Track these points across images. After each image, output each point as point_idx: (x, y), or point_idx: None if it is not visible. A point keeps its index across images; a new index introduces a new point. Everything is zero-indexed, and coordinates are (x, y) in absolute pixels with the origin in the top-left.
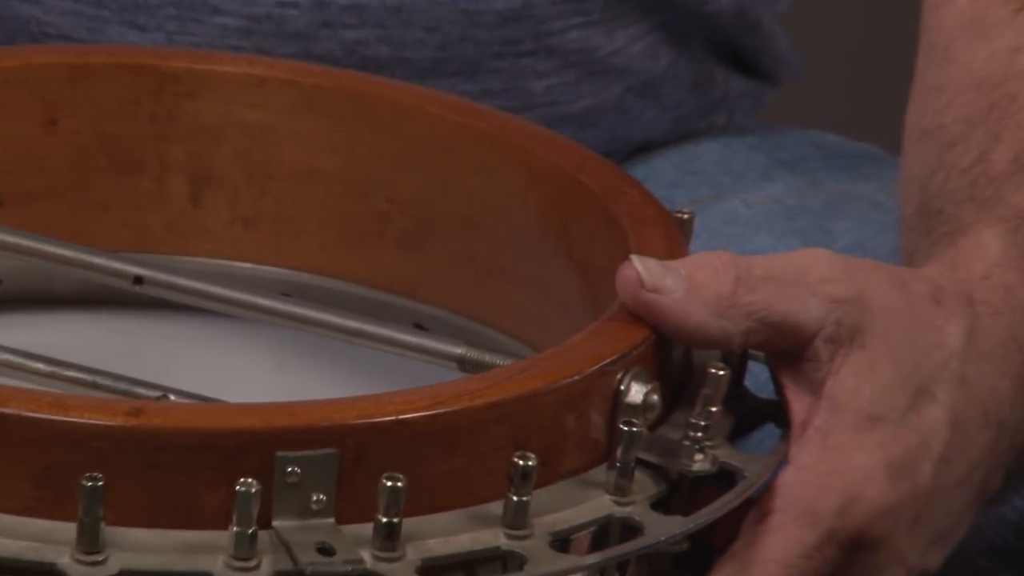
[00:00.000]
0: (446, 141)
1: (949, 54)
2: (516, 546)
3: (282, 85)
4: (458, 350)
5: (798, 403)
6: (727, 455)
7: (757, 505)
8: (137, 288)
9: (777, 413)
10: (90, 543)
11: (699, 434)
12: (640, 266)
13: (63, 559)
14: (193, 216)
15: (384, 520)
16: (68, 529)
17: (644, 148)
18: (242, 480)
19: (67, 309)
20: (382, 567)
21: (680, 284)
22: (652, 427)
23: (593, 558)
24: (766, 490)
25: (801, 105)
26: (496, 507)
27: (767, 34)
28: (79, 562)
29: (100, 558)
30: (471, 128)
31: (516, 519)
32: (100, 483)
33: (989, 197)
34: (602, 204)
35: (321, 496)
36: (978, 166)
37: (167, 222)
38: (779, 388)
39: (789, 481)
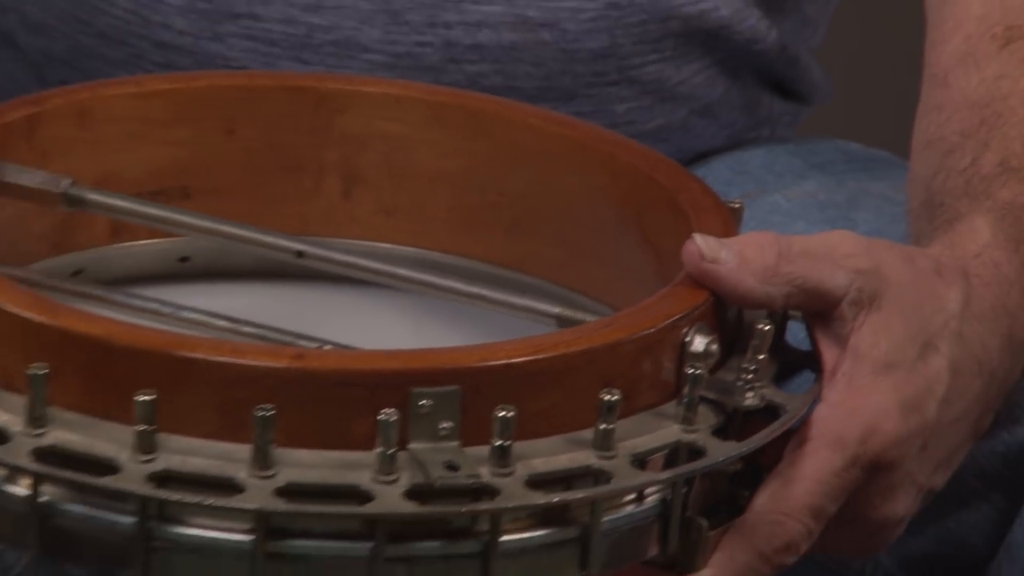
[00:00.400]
0: (545, 148)
1: (948, 81)
2: (604, 465)
3: (415, 103)
4: (555, 310)
5: (828, 353)
6: (772, 394)
7: (796, 434)
8: (299, 261)
9: (811, 362)
10: (262, 461)
11: (749, 377)
12: (701, 242)
13: (240, 474)
14: (344, 207)
15: (498, 443)
16: (244, 450)
17: (704, 157)
18: (384, 410)
19: (243, 280)
20: (497, 481)
21: (733, 257)
22: (712, 371)
23: (665, 475)
24: (803, 423)
25: (829, 120)
26: (588, 434)
27: (804, 66)
28: (254, 476)
29: (271, 473)
30: (565, 137)
31: (604, 443)
32: (271, 413)
33: (980, 193)
34: (670, 196)
35: (448, 424)
36: (971, 168)
37: (323, 212)
38: (813, 341)
39: (821, 415)
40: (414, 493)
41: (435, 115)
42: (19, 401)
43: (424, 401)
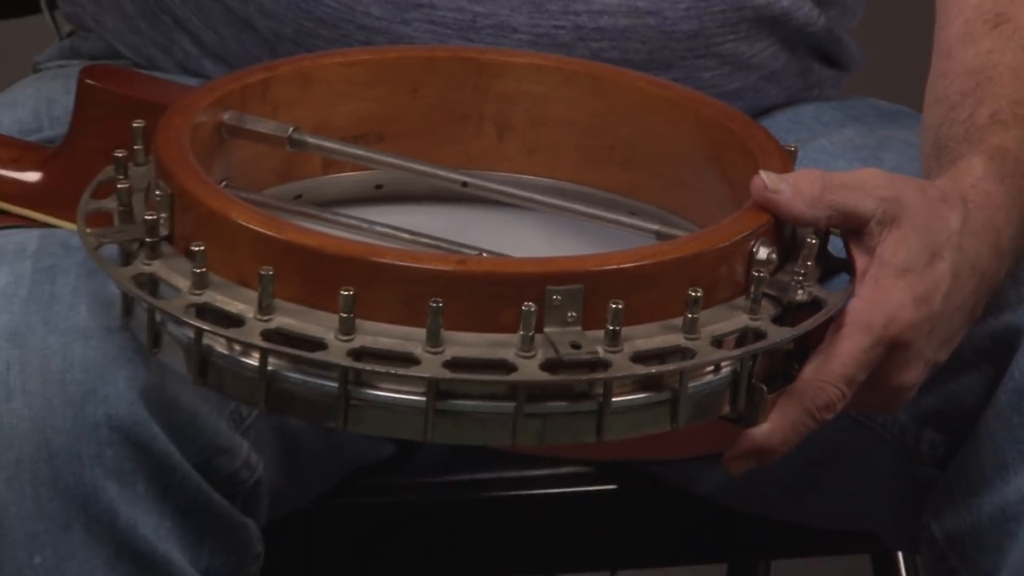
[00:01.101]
0: (648, 104)
1: (951, 54)
2: (690, 344)
3: (552, 70)
4: (654, 227)
5: (860, 260)
6: (817, 291)
7: (834, 322)
8: (463, 189)
9: (847, 267)
10: (433, 341)
11: (800, 278)
12: (765, 176)
13: (417, 350)
14: (498, 148)
15: (611, 328)
16: (421, 333)
17: (768, 111)
18: (526, 303)
19: (421, 203)
20: (610, 356)
21: (789, 188)
22: (772, 274)
23: (736, 352)
24: (840, 313)
25: (864, 83)
26: (678, 321)
27: (844, 44)
28: (427, 352)
29: (440, 350)
30: (663, 96)
31: (690, 328)
32: (440, 304)
33: (975, 139)
34: (742, 141)
35: (573, 313)
36: (969, 120)
37: (481, 152)
38: (848, 251)
39: (854, 307)
40: (547, 365)
41: (567, 79)
42: (251, 295)
43: (556, 296)
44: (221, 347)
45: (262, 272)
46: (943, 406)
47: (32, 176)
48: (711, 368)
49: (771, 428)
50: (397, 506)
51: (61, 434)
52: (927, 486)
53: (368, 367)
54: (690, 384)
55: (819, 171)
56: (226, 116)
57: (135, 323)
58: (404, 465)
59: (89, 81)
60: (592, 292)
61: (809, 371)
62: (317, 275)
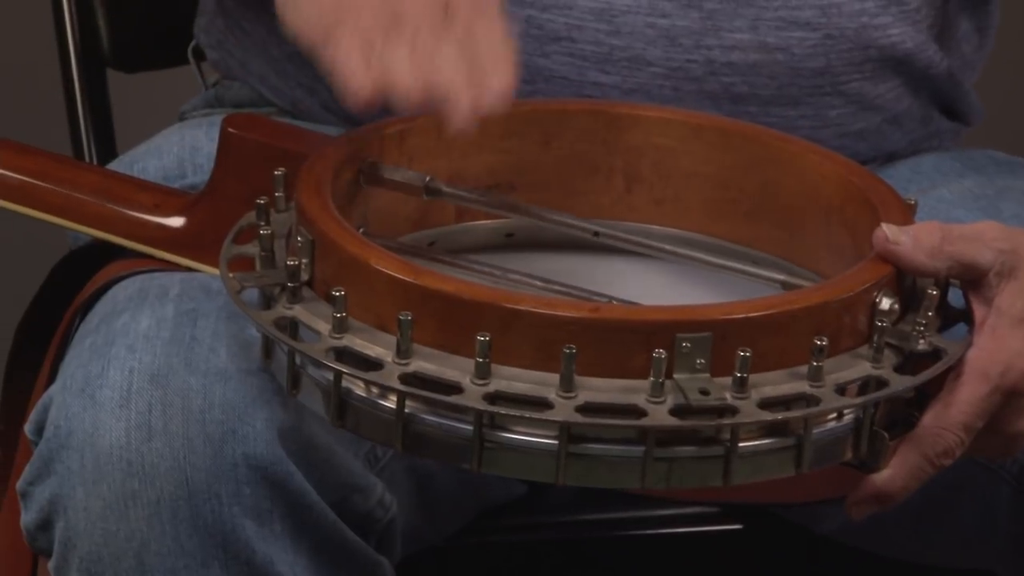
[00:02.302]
0: (772, 156)
1: None
2: (815, 391)
3: (679, 124)
4: (780, 277)
5: (978, 311)
6: (937, 341)
7: (954, 370)
8: (594, 239)
9: (966, 317)
10: (567, 386)
11: (921, 328)
12: (887, 228)
13: (551, 395)
14: (626, 199)
15: (738, 375)
16: (554, 378)
17: (891, 157)
18: (656, 350)
19: (552, 251)
20: (737, 403)
21: (909, 240)
22: (894, 324)
23: (859, 400)
24: (958, 362)
25: (982, 138)
26: (803, 369)
27: (965, 91)
28: (560, 397)
29: (572, 395)
30: (787, 150)
31: (815, 376)
32: (573, 350)
33: None
34: (864, 194)
35: (702, 360)
36: None
37: (611, 202)
38: (967, 302)
39: (972, 356)
40: (677, 411)
41: (694, 133)
42: (389, 339)
43: (685, 344)
44: (359, 390)
45: (401, 317)
46: None
47: (174, 221)
48: (834, 415)
49: (892, 474)
50: (528, 545)
51: (201, 472)
52: None
53: (503, 411)
54: (815, 430)
55: (939, 223)
56: (364, 165)
57: (275, 365)
58: (535, 504)
59: (231, 130)
60: (720, 339)
61: (929, 418)
62: (454, 320)
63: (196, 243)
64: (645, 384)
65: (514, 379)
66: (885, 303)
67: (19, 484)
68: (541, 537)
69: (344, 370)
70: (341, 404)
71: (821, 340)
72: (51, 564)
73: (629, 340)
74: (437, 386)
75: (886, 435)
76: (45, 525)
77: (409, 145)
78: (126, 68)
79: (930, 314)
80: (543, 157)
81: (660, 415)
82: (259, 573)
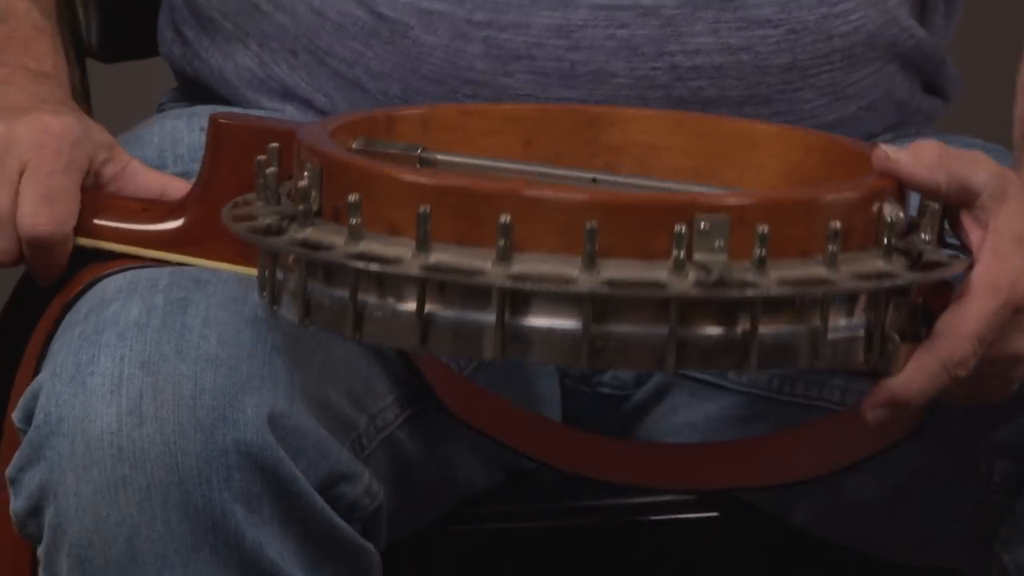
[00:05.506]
0: (755, 140)
1: None
2: (830, 275)
3: (658, 120)
4: None
5: (975, 234)
6: (940, 256)
7: (959, 287)
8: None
9: (962, 250)
10: (589, 265)
11: (926, 240)
12: (885, 148)
13: (573, 273)
14: None
15: (758, 252)
16: (576, 260)
17: (869, 138)
18: (677, 225)
19: None
20: (758, 280)
21: (909, 156)
22: (900, 237)
23: (874, 284)
24: (965, 280)
25: (960, 124)
26: (819, 257)
27: (941, 61)
28: (584, 273)
29: (597, 272)
30: (768, 132)
31: (831, 262)
32: (595, 225)
33: None
34: (852, 150)
35: (720, 242)
36: None
37: None
38: (962, 226)
39: (979, 272)
40: (699, 284)
41: (675, 126)
42: (407, 241)
43: (704, 223)
44: (375, 298)
45: (420, 210)
46: (1014, 438)
47: (167, 224)
48: (847, 313)
49: (908, 378)
50: (507, 532)
51: (191, 458)
52: (1000, 517)
53: (528, 286)
54: (830, 324)
55: (936, 140)
56: (355, 143)
57: (283, 308)
58: (514, 493)
59: (223, 120)
60: (738, 223)
61: (942, 326)
62: (472, 214)
63: (190, 240)
64: (667, 262)
65: (537, 262)
66: (889, 209)
67: (8, 471)
68: (519, 525)
69: (368, 267)
70: (358, 317)
71: (835, 224)
72: (41, 550)
73: (650, 221)
74: (459, 274)
75: (897, 337)
76: (35, 511)
77: (396, 131)
78: (107, 59)
79: (934, 228)
80: (524, 157)
81: (683, 286)
82: (248, 558)
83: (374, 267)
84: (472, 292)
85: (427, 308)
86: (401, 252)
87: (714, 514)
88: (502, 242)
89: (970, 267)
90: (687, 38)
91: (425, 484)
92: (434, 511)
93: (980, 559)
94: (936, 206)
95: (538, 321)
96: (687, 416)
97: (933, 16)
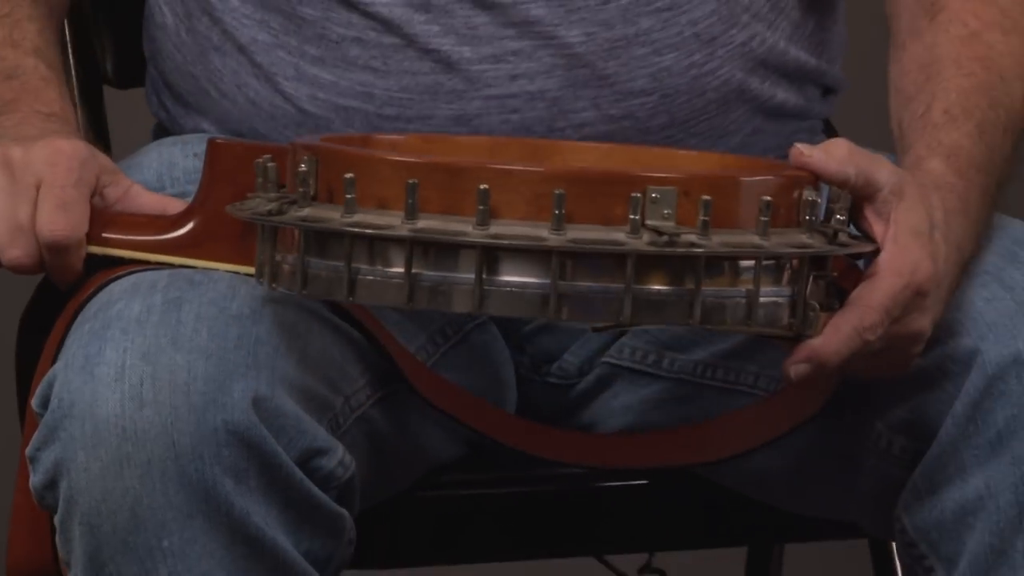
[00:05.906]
0: (682, 155)
1: (904, 45)
2: (764, 243)
3: (592, 149)
4: None
5: (878, 226)
6: (851, 233)
7: (868, 270)
8: None
9: (865, 234)
10: (558, 226)
11: (841, 219)
12: (800, 146)
13: (544, 234)
14: None
15: (702, 218)
16: (545, 226)
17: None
18: (633, 194)
19: None
20: (701, 241)
21: (821, 151)
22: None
23: (797, 249)
24: (872, 265)
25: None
26: (752, 228)
27: (824, 72)
28: (553, 233)
29: (566, 234)
30: (691, 154)
31: (763, 231)
32: (563, 191)
33: (933, 141)
34: (766, 162)
35: (668, 211)
36: (925, 116)
37: None
38: (865, 220)
39: (884, 259)
40: (652, 243)
41: (609, 154)
42: (396, 213)
43: (655, 194)
44: (367, 265)
45: (408, 182)
46: (911, 416)
47: (168, 233)
48: (774, 280)
49: (825, 339)
50: (471, 498)
51: (186, 437)
52: (899, 484)
53: (505, 243)
54: (761, 289)
55: (846, 140)
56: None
57: (281, 284)
58: (476, 463)
59: (219, 141)
60: (684, 195)
61: (855, 296)
62: (454, 187)
63: (191, 244)
64: (625, 226)
65: (511, 226)
66: (807, 193)
67: (28, 450)
68: (481, 491)
69: (360, 232)
70: (352, 282)
71: (767, 198)
72: (57, 519)
73: (610, 191)
74: (444, 235)
75: (817, 305)
76: (51, 485)
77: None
78: (121, 85)
79: (845, 210)
80: None
81: (639, 244)
82: (237, 523)
83: (369, 231)
84: (453, 254)
85: (414, 269)
86: (391, 221)
87: (644, 481)
88: (482, 207)
89: (876, 252)
90: (572, 114)
91: (396, 456)
92: (405, 480)
93: (883, 520)
94: (847, 194)
95: (512, 277)
96: (625, 400)
97: (808, 32)
